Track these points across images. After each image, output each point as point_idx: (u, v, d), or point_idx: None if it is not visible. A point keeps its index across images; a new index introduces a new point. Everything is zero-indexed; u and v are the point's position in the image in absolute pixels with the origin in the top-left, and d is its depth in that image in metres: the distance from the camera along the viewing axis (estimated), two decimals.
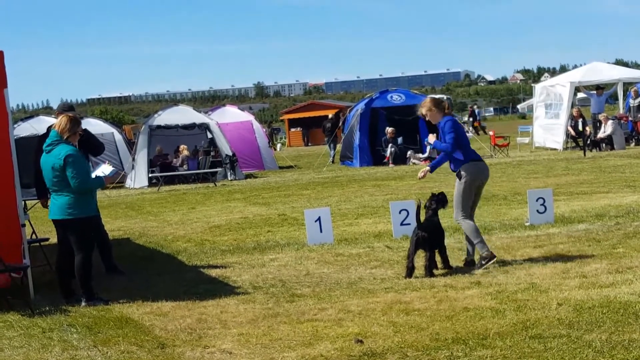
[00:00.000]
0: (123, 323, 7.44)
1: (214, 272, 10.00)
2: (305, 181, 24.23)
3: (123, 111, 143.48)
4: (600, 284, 7.87)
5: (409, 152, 28.73)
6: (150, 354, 6.44)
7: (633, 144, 29.05)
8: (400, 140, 28.93)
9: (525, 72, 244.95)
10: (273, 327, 7.03)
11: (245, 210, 17.35)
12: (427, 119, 9.60)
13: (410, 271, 8.86)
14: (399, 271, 9.35)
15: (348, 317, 7.24)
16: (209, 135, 29.23)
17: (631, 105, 30.38)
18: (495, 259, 9.12)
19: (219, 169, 27.33)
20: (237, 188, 23.67)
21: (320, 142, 55.45)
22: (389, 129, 28.92)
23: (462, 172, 9.29)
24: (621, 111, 32.53)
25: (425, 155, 28.48)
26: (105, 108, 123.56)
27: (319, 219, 11.49)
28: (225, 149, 28.10)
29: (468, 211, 9.36)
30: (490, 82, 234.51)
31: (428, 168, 9.39)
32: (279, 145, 54.27)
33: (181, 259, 11.32)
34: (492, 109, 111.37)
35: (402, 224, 11.71)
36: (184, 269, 10.50)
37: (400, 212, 11.69)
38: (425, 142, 28.38)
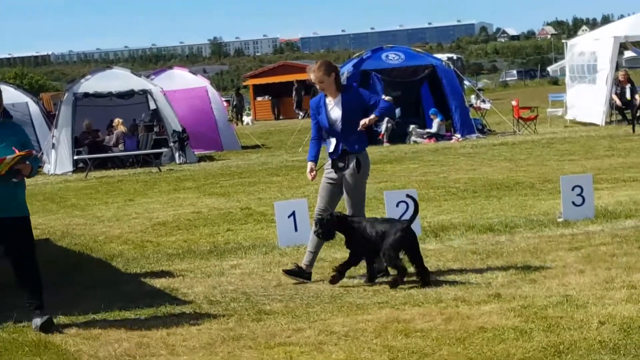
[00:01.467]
0: (41, 348, 7.42)
1: (158, 283, 9.98)
2: (275, 165, 24.25)
3: (41, 75, 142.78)
4: None
5: (410, 127, 28.76)
6: None
7: None
8: (398, 112, 28.96)
9: (557, 24, 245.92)
10: (234, 354, 7.04)
11: (199, 202, 17.33)
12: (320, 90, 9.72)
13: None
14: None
15: (331, 340, 7.25)
16: (152, 106, 29.15)
17: None
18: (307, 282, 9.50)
19: (164, 150, 27.27)
20: (187, 174, 23.63)
21: (294, 115, 55.47)
22: (385, 98, 28.92)
23: (362, 163, 9.54)
24: None
25: (431, 131, 28.55)
26: (20, 71, 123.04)
27: (292, 213, 11.49)
28: (173, 123, 28.04)
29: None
30: (513, 38, 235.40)
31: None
32: (246, 119, 54.12)
33: (116, 265, 11.28)
34: (515, 71, 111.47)
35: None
36: (120, 279, 10.47)
37: (397, 205, 11.69)
38: (431, 114, 28.78)
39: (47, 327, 7.89)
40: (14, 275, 8.20)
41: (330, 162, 9.71)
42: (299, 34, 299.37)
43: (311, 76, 9.70)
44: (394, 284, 9.03)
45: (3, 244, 8.15)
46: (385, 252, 9.10)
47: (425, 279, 9.09)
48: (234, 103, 55.89)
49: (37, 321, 7.97)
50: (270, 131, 42.53)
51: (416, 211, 9.50)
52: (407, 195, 10.42)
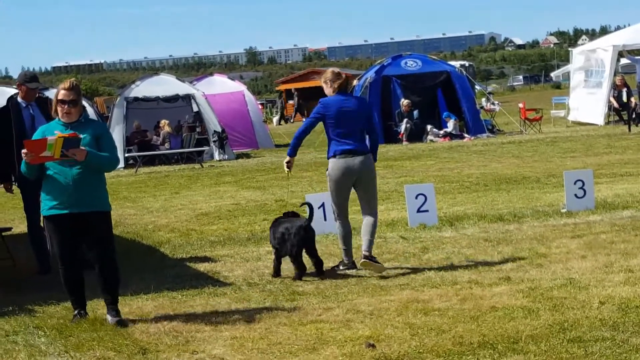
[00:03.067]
0: (98, 325, 7.47)
1: (201, 267, 10.03)
2: (305, 162, 24.24)
3: (94, 81, 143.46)
4: None
5: (428, 127, 28.66)
6: None
7: None
8: (416, 114, 28.90)
9: (559, 34, 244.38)
10: (271, 330, 7.06)
11: (237, 195, 17.36)
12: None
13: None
14: (416, 265, 9.38)
15: (357, 318, 7.26)
16: (194, 109, 29.21)
17: None
18: (354, 269, 9.28)
19: (206, 148, 27.33)
20: (227, 170, 23.68)
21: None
22: (404, 101, 28.84)
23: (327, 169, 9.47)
24: None
25: (447, 130, 28.47)
26: (74, 77, 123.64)
27: (322, 205, 11.50)
28: (213, 124, 28.09)
29: (341, 211, 9.43)
30: (520, 47, 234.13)
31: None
32: (275, 119, 54.17)
33: (164, 251, 11.34)
34: (521, 77, 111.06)
35: (418, 211, 11.72)
36: (167, 263, 10.53)
37: (417, 197, 11.70)
38: (445, 117, 28.64)
39: (121, 325, 7.44)
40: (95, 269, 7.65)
41: None
42: (326, 43, 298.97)
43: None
44: (297, 278, 9.03)
45: (85, 238, 7.59)
46: (290, 250, 9.12)
47: (320, 269, 9.14)
48: (279, 105, 58.13)
49: (110, 318, 7.54)
50: None
51: (311, 215, 9.40)
52: (304, 203, 10.16)
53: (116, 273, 7.71)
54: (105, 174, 7.81)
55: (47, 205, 7.54)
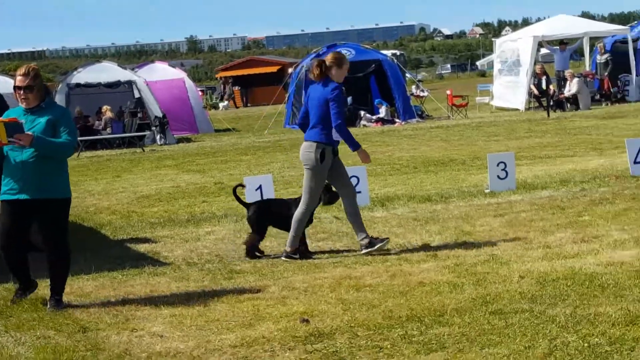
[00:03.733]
0: (38, 305, 7.33)
1: (142, 248, 9.92)
2: (244, 146, 24.15)
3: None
4: (565, 254, 8.02)
5: (361, 113, 28.73)
6: (70, 338, 6.36)
7: (605, 103, 29.42)
8: (349, 100, 28.94)
9: (485, 25, 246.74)
10: (209, 307, 7.01)
11: (177, 178, 17.22)
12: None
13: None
14: (349, 244, 9.39)
15: (292, 295, 7.25)
16: (136, 95, 28.84)
17: (598, 61, 30.81)
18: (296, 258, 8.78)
19: (147, 133, 27.03)
20: (167, 154, 23.46)
21: (261, 102, 55.25)
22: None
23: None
24: (587, 68, 33.00)
25: (379, 116, 28.56)
26: (16, 64, 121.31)
27: (259, 187, 11.45)
28: (155, 109, 27.79)
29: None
30: (448, 37, 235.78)
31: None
32: (221, 105, 53.70)
33: (105, 232, 11.20)
34: (449, 65, 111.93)
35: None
36: (108, 244, 10.40)
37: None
38: (377, 104, 28.75)
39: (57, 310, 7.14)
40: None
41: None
42: (265, 33, 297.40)
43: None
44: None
45: (37, 224, 7.24)
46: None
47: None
48: (225, 91, 58.02)
49: (49, 306, 7.20)
50: (240, 117, 42.29)
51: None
52: (240, 185, 10.04)
53: (64, 264, 7.35)
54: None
55: (2, 189, 7.31)
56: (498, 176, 12.31)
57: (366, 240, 8.78)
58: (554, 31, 31.17)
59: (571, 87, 28.75)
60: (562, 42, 30.78)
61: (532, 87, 30.22)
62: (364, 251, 8.76)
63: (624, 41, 30.60)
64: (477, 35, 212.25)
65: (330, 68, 8.94)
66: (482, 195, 12.05)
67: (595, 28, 32.59)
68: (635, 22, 34.80)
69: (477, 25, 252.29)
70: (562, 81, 29.55)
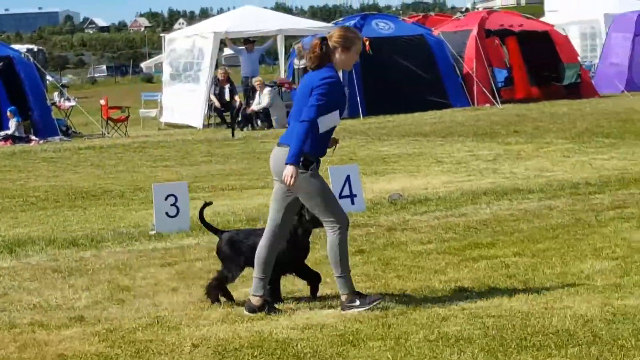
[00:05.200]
0: None
1: None
2: None
3: None
4: (252, 315, 8.20)
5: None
6: None
7: None
8: None
9: (152, 16, 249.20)
10: None
11: None
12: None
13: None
14: None
15: None
16: None
17: (296, 67, 31.92)
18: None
19: None
20: None
21: None
22: None
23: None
24: (282, 75, 34.27)
25: (8, 132, 27.90)
26: None
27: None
28: None
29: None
30: (103, 29, 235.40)
31: None
32: None
33: None
34: (104, 67, 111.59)
35: None
36: None
37: None
38: (8, 113, 28.09)
39: None
40: None
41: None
42: None
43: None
44: None
45: None
46: None
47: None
48: None
49: None
50: None
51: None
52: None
53: None
54: None
55: None
56: (167, 213, 12.39)
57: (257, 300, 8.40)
58: (241, 26, 32.06)
59: (262, 99, 29.59)
60: (249, 41, 31.64)
61: (213, 97, 30.83)
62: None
63: None
64: (142, 29, 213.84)
65: (334, 50, 8.32)
66: (146, 238, 12.07)
67: (292, 24, 33.98)
68: (342, 18, 36.79)
69: (141, 15, 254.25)
70: (250, 91, 30.34)
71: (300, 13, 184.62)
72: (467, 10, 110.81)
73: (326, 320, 7.92)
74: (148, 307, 8.69)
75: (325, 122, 8.25)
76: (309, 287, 8.79)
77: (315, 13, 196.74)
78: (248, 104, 30.01)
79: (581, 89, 35.04)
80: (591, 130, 23.05)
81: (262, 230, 8.77)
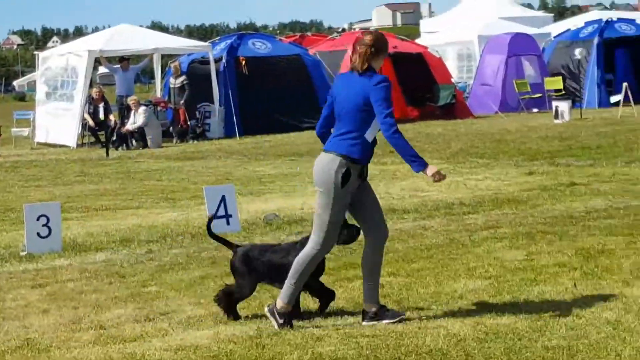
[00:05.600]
0: None
1: None
2: None
3: None
4: (124, 337, 8.12)
5: None
6: None
7: (177, 140, 30.24)
8: None
9: (25, 34, 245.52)
10: None
11: None
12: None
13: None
14: None
15: None
16: None
17: (172, 86, 31.72)
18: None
19: None
20: None
21: None
22: None
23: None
24: (158, 94, 34.10)
25: None
26: None
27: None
28: None
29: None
30: None
31: None
32: None
33: None
34: None
35: None
36: None
37: None
38: None
39: None
40: None
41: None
42: None
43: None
44: None
45: None
46: None
47: None
48: None
49: None
50: None
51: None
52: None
53: None
54: None
55: None
56: (38, 234, 12.23)
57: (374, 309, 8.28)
58: (116, 45, 31.82)
59: (137, 119, 29.37)
60: (124, 59, 31.45)
61: (87, 116, 30.53)
62: (367, 323, 8.26)
63: (205, 61, 31.95)
64: (15, 46, 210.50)
65: (376, 54, 8.19)
66: (17, 260, 11.91)
67: (168, 43, 33.81)
68: (218, 37, 36.72)
69: (14, 33, 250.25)
70: (125, 110, 30.13)
71: (177, 32, 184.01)
72: (343, 30, 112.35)
73: (200, 341, 7.88)
74: (18, 329, 8.55)
75: (376, 127, 8.22)
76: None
77: (191, 32, 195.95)
78: (123, 123, 29.81)
79: (456, 109, 35.54)
80: (465, 150, 23.32)
81: (279, 246, 8.91)
